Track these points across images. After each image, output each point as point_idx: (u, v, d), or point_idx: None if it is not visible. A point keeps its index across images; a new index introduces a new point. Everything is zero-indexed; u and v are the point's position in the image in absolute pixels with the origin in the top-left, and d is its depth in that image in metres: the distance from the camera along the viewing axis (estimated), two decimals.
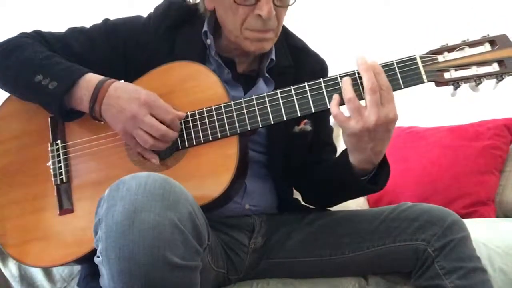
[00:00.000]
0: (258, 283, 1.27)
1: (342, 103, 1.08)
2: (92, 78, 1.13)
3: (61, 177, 1.18)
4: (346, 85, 1.07)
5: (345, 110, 1.08)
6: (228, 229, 1.26)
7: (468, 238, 1.17)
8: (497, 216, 2.01)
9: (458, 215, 1.20)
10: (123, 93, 1.11)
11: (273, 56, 1.27)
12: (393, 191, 2.14)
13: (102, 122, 1.14)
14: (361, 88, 1.07)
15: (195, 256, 0.91)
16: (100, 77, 1.14)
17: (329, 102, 1.10)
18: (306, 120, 1.26)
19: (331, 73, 1.13)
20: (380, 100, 1.04)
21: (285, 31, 1.35)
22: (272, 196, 1.32)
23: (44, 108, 1.17)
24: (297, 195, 1.40)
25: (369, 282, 1.29)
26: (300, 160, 1.32)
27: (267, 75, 1.27)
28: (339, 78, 1.10)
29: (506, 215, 2.03)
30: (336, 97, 1.08)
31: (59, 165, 1.19)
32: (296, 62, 1.31)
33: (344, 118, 1.06)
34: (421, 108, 2.44)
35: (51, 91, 1.12)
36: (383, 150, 1.11)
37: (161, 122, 1.10)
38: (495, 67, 1.06)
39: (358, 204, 2.12)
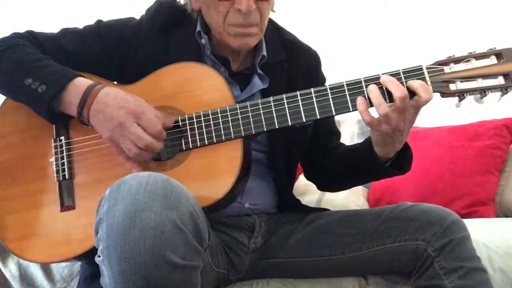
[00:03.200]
0: (258, 283, 1.27)
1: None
2: (81, 83, 1.13)
3: (63, 173, 1.18)
4: (376, 92, 1.08)
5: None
6: (228, 229, 1.26)
7: (468, 238, 1.17)
8: (497, 216, 2.01)
9: (458, 215, 1.20)
10: (111, 100, 1.10)
11: (265, 52, 1.27)
12: (393, 191, 2.14)
13: (89, 127, 1.14)
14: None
15: (196, 256, 0.91)
16: (90, 82, 1.13)
17: (335, 109, 1.10)
18: None
19: (336, 80, 1.13)
20: (409, 104, 1.08)
21: (276, 26, 1.36)
22: (272, 195, 1.33)
23: (34, 111, 1.17)
24: (296, 194, 1.40)
25: (369, 282, 1.29)
26: (302, 155, 1.33)
27: (260, 71, 1.27)
28: (345, 86, 1.10)
29: (506, 215, 2.03)
30: (362, 101, 1.08)
31: (62, 161, 1.19)
32: (289, 55, 1.31)
33: (377, 123, 1.08)
34: (421, 108, 2.44)
35: (40, 94, 1.12)
36: (405, 140, 1.17)
37: (147, 132, 1.09)
38: (500, 80, 1.07)
39: (358, 204, 2.12)
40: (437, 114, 2.41)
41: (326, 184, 1.42)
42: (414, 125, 2.37)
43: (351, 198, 2.08)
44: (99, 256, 0.93)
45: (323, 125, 1.35)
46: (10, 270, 1.52)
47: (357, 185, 1.45)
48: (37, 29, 1.28)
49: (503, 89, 1.07)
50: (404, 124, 1.10)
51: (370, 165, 1.20)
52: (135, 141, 1.08)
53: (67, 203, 1.17)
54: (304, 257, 1.26)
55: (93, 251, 0.99)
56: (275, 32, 1.33)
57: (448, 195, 2.02)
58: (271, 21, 1.34)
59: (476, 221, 1.79)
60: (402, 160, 1.21)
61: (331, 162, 1.33)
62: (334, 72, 1.46)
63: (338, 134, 1.43)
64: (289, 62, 1.31)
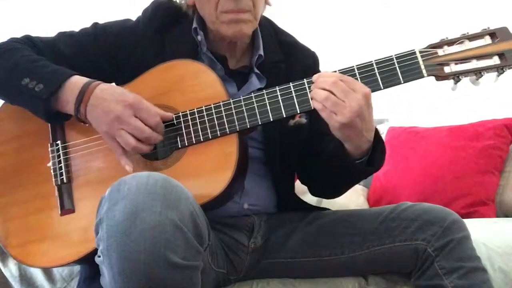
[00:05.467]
0: (258, 283, 1.27)
1: None
2: (78, 80, 1.13)
3: (61, 177, 1.18)
4: (315, 90, 1.08)
5: None
6: (228, 229, 1.26)
7: (468, 238, 1.17)
8: (497, 216, 2.01)
9: (458, 215, 1.20)
10: (108, 95, 1.11)
11: (261, 52, 1.28)
12: (393, 191, 2.14)
13: (87, 125, 1.14)
14: None
15: (196, 256, 0.91)
16: (86, 79, 1.14)
17: None
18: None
19: (329, 70, 1.13)
20: (344, 86, 1.05)
21: (275, 27, 1.36)
22: (271, 194, 1.32)
23: (31, 112, 1.17)
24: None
25: (369, 282, 1.29)
26: (298, 154, 1.32)
27: (257, 70, 1.28)
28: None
29: (506, 215, 2.03)
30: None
31: (60, 165, 1.19)
32: (287, 57, 1.32)
33: (329, 112, 1.06)
34: (421, 108, 2.44)
35: (37, 93, 1.12)
36: (373, 127, 1.12)
37: (146, 124, 1.10)
38: (495, 60, 1.05)
39: (358, 204, 2.12)
40: (437, 114, 2.42)
41: (316, 188, 1.38)
42: (414, 125, 2.40)
43: (351, 198, 2.08)
44: (99, 256, 0.93)
45: (317, 125, 1.34)
46: (10, 270, 1.52)
47: (339, 190, 1.34)
48: (36, 29, 1.28)
49: (499, 69, 1.05)
50: (359, 108, 1.05)
51: (344, 165, 1.17)
52: (135, 133, 1.09)
53: (66, 207, 1.17)
54: (304, 257, 1.26)
55: (94, 254, 0.98)
56: (273, 33, 1.33)
57: (448, 195, 2.02)
58: (270, 22, 1.34)
59: (476, 221, 1.79)
60: (373, 156, 1.17)
61: (317, 163, 1.31)
62: (328, 59, 1.46)
63: (331, 136, 1.41)
64: (287, 63, 1.31)
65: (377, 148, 1.16)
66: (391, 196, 2.13)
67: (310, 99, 1.10)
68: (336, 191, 1.36)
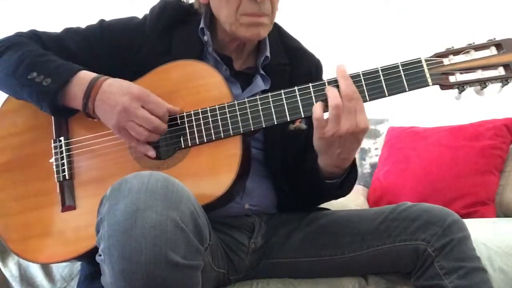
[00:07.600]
0: (258, 283, 1.27)
1: (325, 110, 1.09)
2: (86, 75, 1.14)
3: (63, 173, 1.19)
4: (334, 91, 1.08)
5: None
6: (228, 229, 1.26)
7: (468, 238, 1.17)
8: (497, 216, 2.02)
9: (458, 215, 1.20)
10: (116, 88, 1.11)
11: (268, 53, 1.28)
12: (393, 191, 2.14)
13: (96, 120, 1.15)
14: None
15: (197, 255, 0.91)
16: (94, 74, 1.14)
17: None
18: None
19: (333, 76, 1.13)
20: (354, 108, 1.06)
21: (280, 31, 1.36)
22: (272, 195, 1.32)
23: (36, 106, 1.17)
24: None
25: (369, 282, 1.29)
26: (296, 158, 1.32)
27: (262, 72, 1.28)
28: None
29: (506, 215, 2.04)
30: (320, 102, 1.09)
31: (62, 161, 1.19)
32: (292, 61, 1.32)
33: (324, 123, 1.07)
34: (421, 108, 2.44)
35: (45, 87, 1.12)
36: (350, 158, 1.14)
37: (153, 115, 1.10)
38: (500, 71, 1.05)
39: (358, 204, 2.12)
40: (437, 114, 2.42)
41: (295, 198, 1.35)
42: (414, 125, 2.40)
43: (351, 198, 2.07)
44: (100, 255, 0.93)
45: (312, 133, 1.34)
46: (10, 270, 1.52)
47: (308, 204, 1.33)
48: (39, 29, 1.28)
49: (504, 80, 1.05)
50: (346, 134, 1.06)
51: (313, 177, 1.19)
52: (143, 123, 1.09)
53: (68, 203, 1.17)
54: (304, 257, 1.26)
55: (94, 251, 0.99)
56: (279, 37, 1.33)
57: (448, 195, 2.03)
58: (275, 25, 1.34)
59: (476, 221, 1.79)
60: (344, 182, 1.20)
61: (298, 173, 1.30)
62: (331, 62, 1.46)
63: None
64: (291, 67, 1.31)
65: (347, 178, 1.19)
66: (391, 196, 2.13)
67: (314, 104, 1.10)
68: (305, 203, 1.33)
